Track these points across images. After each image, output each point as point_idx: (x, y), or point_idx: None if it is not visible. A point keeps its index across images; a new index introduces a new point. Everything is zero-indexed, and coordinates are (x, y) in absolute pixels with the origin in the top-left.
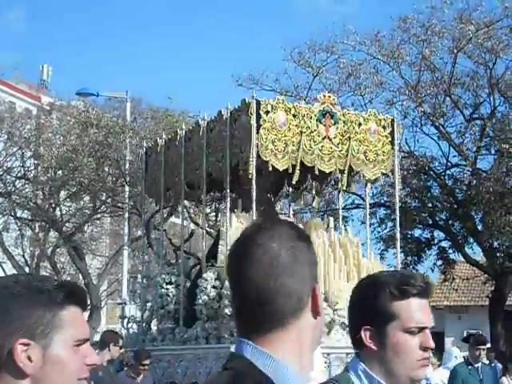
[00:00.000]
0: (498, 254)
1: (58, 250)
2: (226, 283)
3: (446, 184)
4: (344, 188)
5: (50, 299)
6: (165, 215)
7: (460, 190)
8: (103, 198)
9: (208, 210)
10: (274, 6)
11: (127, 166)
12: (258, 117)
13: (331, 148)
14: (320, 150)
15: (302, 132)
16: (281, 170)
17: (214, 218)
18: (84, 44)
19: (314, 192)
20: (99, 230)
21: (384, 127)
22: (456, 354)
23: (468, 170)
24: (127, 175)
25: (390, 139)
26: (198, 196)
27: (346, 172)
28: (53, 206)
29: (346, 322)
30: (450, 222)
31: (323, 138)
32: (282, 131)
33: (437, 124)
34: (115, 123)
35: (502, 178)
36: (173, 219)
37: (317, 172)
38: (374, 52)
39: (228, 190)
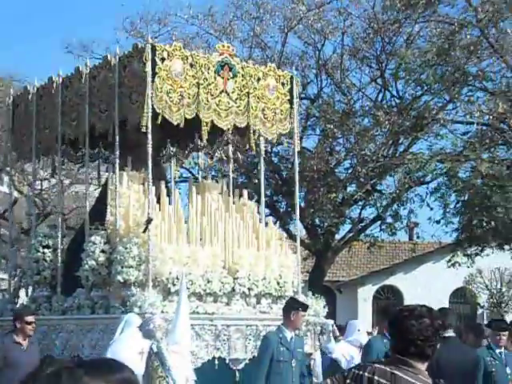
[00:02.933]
0: (319, 231)
1: None
2: (119, 247)
3: (271, 161)
4: (253, 147)
5: None
6: None
7: (285, 168)
8: None
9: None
10: None
11: None
12: (153, 64)
13: (229, 103)
14: (217, 105)
15: (199, 84)
16: (175, 123)
17: (39, 187)
18: None
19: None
20: None
21: (283, 84)
22: (359, 327)
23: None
24: None
25: (288, 97)
26: (74, 153)
27: (251, 130)
28: None
29: (247, 291)
30: (275, 198)
31: (221, 92)
32: (177, 81)
33: None
34: None
35: (326, 157)
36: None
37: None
38: (206, 26)
39: (117, 145)
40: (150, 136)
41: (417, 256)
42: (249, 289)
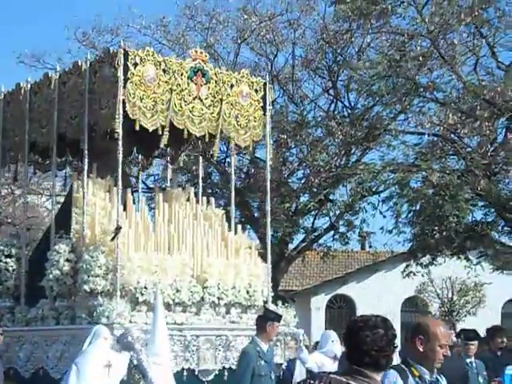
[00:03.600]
0: (272, 241)
1: None
2: (85, 256)
3: (225, 171)
4: (215, 154)
5: None
6: None
7: (239, 178)
8: None
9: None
10: None
11: None
12: (126, 69)
13: (202, 110)
14: (191, 111)
15: (172, 90)
16: (150, 130)
17: None
18: None
19: (168, 159)
20: None
21: (256, 91)
22: (333, 337)
23: (247, 159)
24: None
25: (261, 104)
26: (41, 161)
27: (217, 137)
28: None
29: (217, 300)
30: (228, 208)
31: (194, 98)
32: (150, 87)
33: None
34: None
35: (279, 167)
36: None
37: (185, 135)
38: (159, 37)
39: (86, 152)
40: (120, 142)
41: (369, 265)
42: (218, 298)
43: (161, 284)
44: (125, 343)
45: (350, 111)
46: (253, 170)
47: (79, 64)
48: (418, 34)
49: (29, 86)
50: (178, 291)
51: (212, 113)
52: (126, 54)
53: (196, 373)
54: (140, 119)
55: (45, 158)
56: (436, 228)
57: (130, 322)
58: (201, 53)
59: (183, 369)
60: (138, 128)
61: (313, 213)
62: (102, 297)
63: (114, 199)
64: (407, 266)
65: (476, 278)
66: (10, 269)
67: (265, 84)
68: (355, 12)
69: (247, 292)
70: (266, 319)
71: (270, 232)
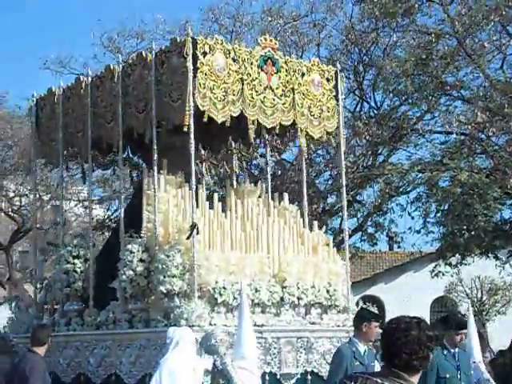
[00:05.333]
0: None
1: None
2: (160, 256)
3: (252, 173)
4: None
5: None
6: None
7: (265, 180)
8: None
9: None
10: None
11: None
12: (195, 59)
13: (274, 100)
14: (262, 102)
15: (242, 79)
16: (219, 122)
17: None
18: None
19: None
20: None
21: (328, 80)
22: None
23: (273, 161)
24: None
25: (333, 94)
26: (101, 158)
27: (298, 129)
28: None
29: (296, 300)
30: None
31: (265, 88)
32: (220, 77)
33: None
34: None
35: (306, 168)
36: None
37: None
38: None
39: (155, 146)
40: (192, 136)
41: (397, 266)
42: (298, 298)
43: (239, 284)
44: (208, 346)
45: (376, 111)
46: (279, 172)
47: (144, 55)
48: (444, 34)
49: (89, 79)
50: (257, 291)
51: (284, 103)
52: (194, 43)
53: (278, 377)
54: (211, 111)
55: (105, 155)
56: (465, 227)
57: (210, 324)
58: (270, 40)
59: (265, 373)
60: (206, 119)
61: (340, 214)
62: (178, 298)
63: (186, 196)
64: (436, 266)
65: (509, 276)
66: (78, 270)
67: (336, 72)
68: (381, 10)
69: (327, 291)
70: (362, 319)
71: (347, 227)
